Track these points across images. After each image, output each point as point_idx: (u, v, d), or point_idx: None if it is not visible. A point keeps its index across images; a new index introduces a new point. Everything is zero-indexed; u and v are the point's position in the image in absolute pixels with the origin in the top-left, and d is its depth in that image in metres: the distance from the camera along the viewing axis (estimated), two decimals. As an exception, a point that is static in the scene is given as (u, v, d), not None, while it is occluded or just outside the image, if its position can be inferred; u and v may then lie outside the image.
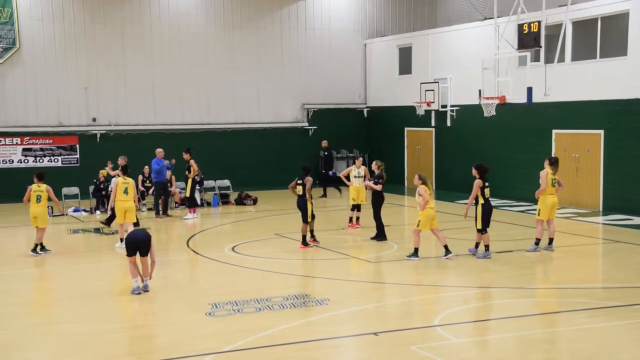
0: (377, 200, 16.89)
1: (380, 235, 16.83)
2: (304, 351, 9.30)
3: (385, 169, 17.58)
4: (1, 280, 13.80)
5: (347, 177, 19.14)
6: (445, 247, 14.78)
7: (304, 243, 16.10)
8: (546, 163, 15.62)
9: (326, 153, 26.95)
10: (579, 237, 17.48)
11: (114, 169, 19.71)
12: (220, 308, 11.21)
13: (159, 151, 21.93)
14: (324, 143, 27.28)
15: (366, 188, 17.74)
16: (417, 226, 14.76)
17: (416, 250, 14.81)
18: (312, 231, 16.45)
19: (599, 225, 19.28)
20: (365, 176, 18.78)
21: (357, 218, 19.03)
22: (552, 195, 15.47)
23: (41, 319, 10.99)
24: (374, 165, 17.34)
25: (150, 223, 20.12)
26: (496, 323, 10.60)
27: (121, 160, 19.55)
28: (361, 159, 19.76)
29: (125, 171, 16.81)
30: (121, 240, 16.39)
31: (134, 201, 16.51)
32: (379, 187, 16.80)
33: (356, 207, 18.96)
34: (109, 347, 9.57)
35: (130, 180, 16.54)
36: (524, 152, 23.11)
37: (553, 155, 16.08)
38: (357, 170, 18.99)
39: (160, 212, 21.52)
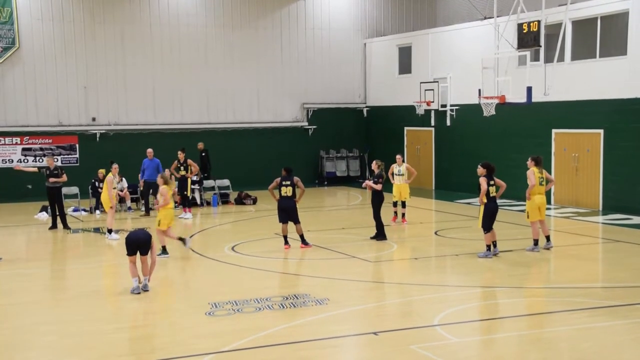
0: (377, 200, 16.85)
1: (380, 235, 16.82)
2: (303, 351, 9.30)
3: (385, 168, 17.61)
4: (1, 280, 13.81)
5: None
6: (163, 247, 15.25)
7: (304, 242, 16.08)
8: (531, 163, 15.44)
9: (203, 154, 25.33)
10: (578, 236, 17.49)
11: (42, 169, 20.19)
12: (220, 308, 11.21)
13: (150, 151, 22.18)
14: (200, 145, 25.71)
15: (365, 187, 17.69)
16: (158, 225, 15.21)
17: (164, 247, 15.22)
18: (285, 237, 16.08)
19: (598, 224, 19.28)
20: (411, 173, 19.30)
21: (403, 214, 19.27)
22: (540, 195, 15.32)
23: (41, 319, 10.99)
24: (373, 165, 17.30)
25: (150, 223, 20.11)
26: (496, 323, 10.60)
27: (50, 161, 20.00)
28: (400, 156, 19.54)
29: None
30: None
31: (110, 197, 17.80)
32: (378, 187, 16.76)
33: (402, 204, 19.17)
34: (109, 347, 9.57)
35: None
36: (524, 152, 22.99)
37: (536, 155, 15.86)
38: (398, 168, 19.08)
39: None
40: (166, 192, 15.19)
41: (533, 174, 15.25)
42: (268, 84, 29.74)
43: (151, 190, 21.81)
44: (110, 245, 17.08)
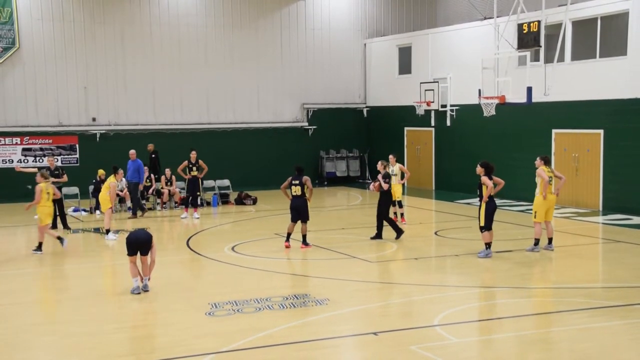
0: (385, 200, 16.84)
1: (379, 236, 16.81)
2: (303, 351, 9.30)
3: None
4: (1, 280, 13.81)
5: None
6: (40, 244, 15.80)
7: (304, 243, 16.08)
8: (540, 162, 15.45)
9: (153, 156, 24.67)
10: (578, 236, 17.49)
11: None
12: (220, 308, 11.22)
13: (132, 152, 22.23)
14: (150, 146, 25.12)
15: (372, 190, 17.54)
16: (41, 223, 15.84)
17: (40, 244, 15.79)
18: (289, 234, 16.16)
19: (598, 225, 19.29)
20: (404, 174, 19.33)
21: (402, 214, 19.32)
22: (550, 194, 15.40)
23: (41, 319, 10.99)
24: (379, 165, 17.24)
25: (150, 223, 20.13)
26: (496, 323, 10.60)
27: (50, 161, 20.34)
28: (393, 156, 19.49)
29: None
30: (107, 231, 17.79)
31: (111, 198, 18.03)
32: (385, 186, 16.75)
33: (397, 203, 19.15)
34: (109, 347, 9.57)
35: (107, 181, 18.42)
36: (524, 152, 23.09)
37: (544, 155, 15.99)
38: (391, 168, 19.10)
39: (137, 213, 21.64)
40: (40, 190, 15.79)
41: (544, 172, 15.25)
42: (268, 84, 29.74)
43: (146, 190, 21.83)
44: (110, 246, 17.08)
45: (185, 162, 21.29)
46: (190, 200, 21.55)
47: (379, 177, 16.89)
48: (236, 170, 27.89)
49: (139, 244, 12.19)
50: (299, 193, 15.90)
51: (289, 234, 16.14)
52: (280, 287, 12.77)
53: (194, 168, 21.18)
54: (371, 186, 17.51)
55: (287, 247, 16.01)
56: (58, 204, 19.42)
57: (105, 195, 17.73)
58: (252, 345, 9.47)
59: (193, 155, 21.30)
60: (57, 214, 19.41)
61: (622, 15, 20.60)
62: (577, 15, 21.38)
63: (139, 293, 12.14)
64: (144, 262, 12.34)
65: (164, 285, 12.79)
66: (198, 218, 21.06)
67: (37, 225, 16.17)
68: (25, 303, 12.07)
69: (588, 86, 21.40)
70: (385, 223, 16.89)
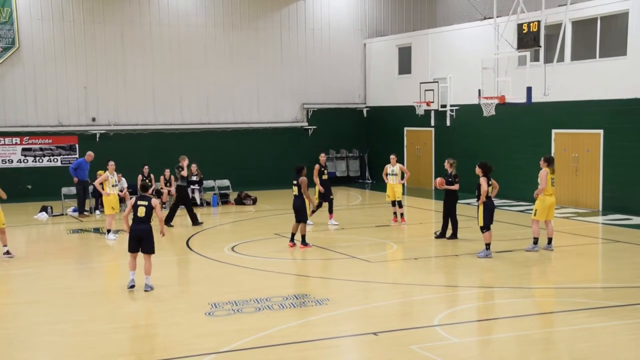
0: (452, 199, 16.84)
1: (454, 234, 16.85)
2: (303, 351, 9.30)
3: (381, 168, 17.56)
4: (1, 280, 13.81)
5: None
6: None
7: (303, 242, 16.09)
8: (543, 164, 15.44)
9: None
10: (578, 236, 17.49)
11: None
12: (220, 308, 11.22)
13: (90, 154, 22.28)
14: None
15: (438, 186, 17.28)
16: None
17: None
18: (293, 234, 16.22)
19: (598, 225, 19.29)
20: (404, 174, 19.32)
21: (402, 214, 19.33)
22: (551, 195, 15.40)
23: (41, 319, 10.99)
24: (446, 164, 17.05)
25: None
26: (496, 323, 10.61)
27: (184, 161, 20.89)
28: (394, 156, 19.45)
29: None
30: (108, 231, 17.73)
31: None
32: (456, 187, 16.73)
33: (397, 203, 19.19)
34: (109, 347, 9.57)
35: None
36: (524, 152, 23.12)
37: (548, 155, 15.99)
38: (391, 168, 19.09)
39: (83, 212, 21.68)
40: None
41: (546, 175, 15.21)
42: (268, 84, 29.74)
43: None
44: (110, 246, 17.07)
45: (317, 167, 19.43)
46: (328, 207, 19.72)
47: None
48: (236, 170, 27.89)
49: (139, 238, 12.24)
50: (297, 193, 16.01)
51: (292, 234, 16.21)
52: (280, 287, 12.77)
53: (325, 171, 19.66)
54: (437, 183, 17.28)
55: (291, 246, 16.05)
56: (189, 202, 20.28)
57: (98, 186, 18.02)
58: (252, 345, 9.47)
59: (323, 158, 19.91)
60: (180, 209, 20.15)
61: (622, 15, 20.60)
62: (577, 15, 21.38)
63: (133, 286, 12.21)
64: (146, 260, 12.35)
65: (164, 285, 12.79)
66: (336, 225, 19.29)
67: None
68: (26, 303, 12.07)
69: (588, 86, 21.41)
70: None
